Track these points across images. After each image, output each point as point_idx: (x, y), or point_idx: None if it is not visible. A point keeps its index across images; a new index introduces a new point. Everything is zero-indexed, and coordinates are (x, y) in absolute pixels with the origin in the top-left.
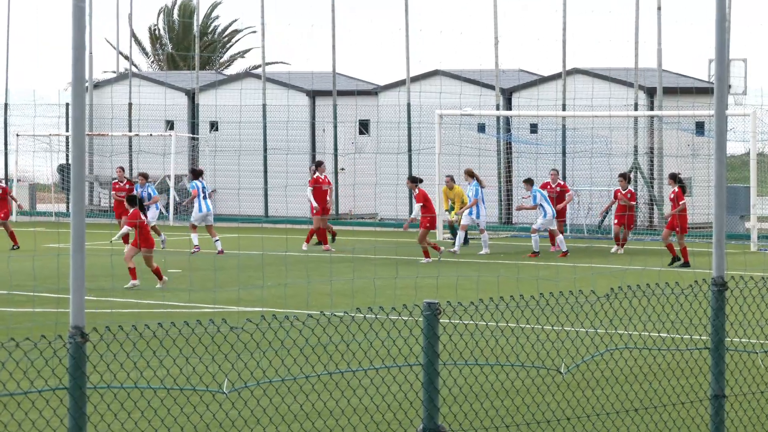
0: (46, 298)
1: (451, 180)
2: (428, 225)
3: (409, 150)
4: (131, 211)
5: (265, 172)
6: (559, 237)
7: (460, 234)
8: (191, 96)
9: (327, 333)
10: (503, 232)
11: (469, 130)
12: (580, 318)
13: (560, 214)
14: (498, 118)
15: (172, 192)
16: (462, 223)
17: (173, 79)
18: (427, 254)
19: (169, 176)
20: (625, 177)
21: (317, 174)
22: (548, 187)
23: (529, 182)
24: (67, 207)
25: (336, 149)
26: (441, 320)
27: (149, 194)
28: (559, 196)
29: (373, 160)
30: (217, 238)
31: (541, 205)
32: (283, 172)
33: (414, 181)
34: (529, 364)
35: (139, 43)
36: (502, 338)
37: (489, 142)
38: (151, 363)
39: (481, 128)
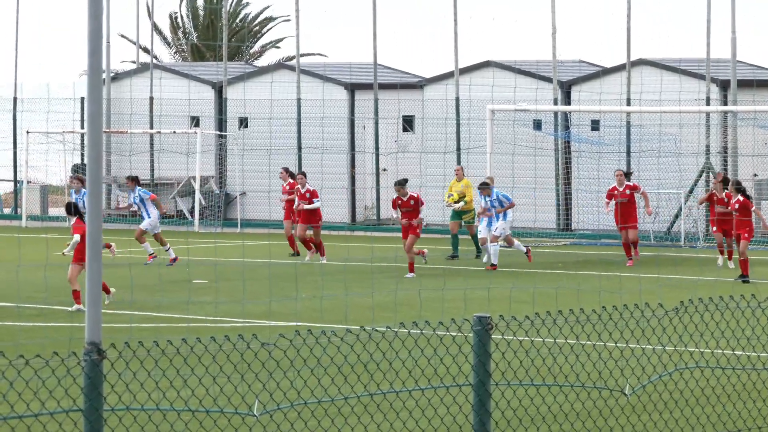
0: (59, 312)
1: (461, 171)
2: (418, 232)
3: (458, 149)
4: (73, 221)
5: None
6: (494, 247)
7: (490, 247)
8: (218, 89)
9: (368, 350)
10: (561, 239)
11: (524, 127)
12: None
13: (631, 219)
14: (556, 113)
15: (197, 196)
16: (481, 236)
17: (199, 71)
18: (412, 268)
19: (194, 178)
20: (731, 183)
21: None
22: (615, 192)
23: (485, 186)
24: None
25: (377, 148)
26: (493, 336)
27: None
28: (629, 200)
29: (417, 160)
30: (168, 246)
31: (493, 206)
32: (319, 173)
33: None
34: (590, 384)
35: (159, 32)
36: (560, 356)
37: (545, 141)
38: (174, 383)
39: (537, 125)
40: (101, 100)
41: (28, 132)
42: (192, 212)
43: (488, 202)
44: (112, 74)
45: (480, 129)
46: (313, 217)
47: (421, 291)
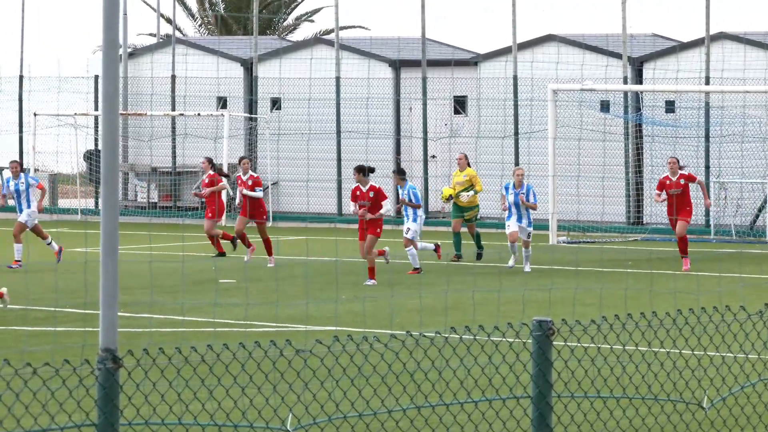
0: (70, 315)
1: (464, 159)
2: (378, 231)
3: (516, 133)
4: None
5: (339, 160)
6: (413, 251)
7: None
8: (248, 67)
9: (414, 358)
10: (632, 234)
11: (590, 109)
12: (727, 340)
13: (683, 212)
14: (626, 93)
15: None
16: (510, 230)
17: (226, 46)
18: (373, 273)
19: (221, 165)
20: None
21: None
22: (667, 182)
23: (401, 173)
24: (96, 203)
25: (425, 132)
26: (554, 342)
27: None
28: (683, 191)
29: (471, 145)
30: (49, 239)
31: (411, 202)
32: (362, 159)
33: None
34: (663, 397)
35: (182, 2)
36: (630, 365)
37: (614, 124)
38: (199, 394)
39: (605, 106)
40: (117, 78)
41: (35, 114)
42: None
43: (516, 194)
44: (129, 50)
45: (541, 111)
46: (257, 209)
47: (475, 292)
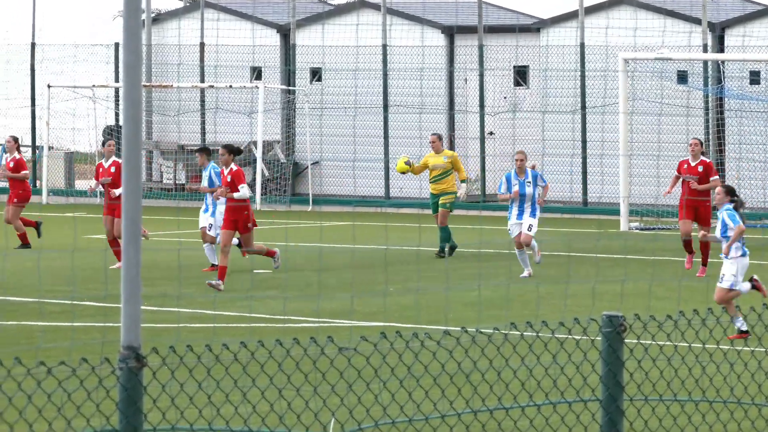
0: (89, 309)
1: (438, 140)
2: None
3: (583, 107)
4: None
5: (386, 137)
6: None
7: (527, 256)
8: (285, 33)
9: (470, 357)
10: (714, 220)
11: (666, 80)
12: None
13: (702, 206)
14: (705, 63)
15: (259, 165)
16: (515, 234)
17: (261, 10)
18: (222, 274)
19: (255, 143)
20: None
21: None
22: (685, 166)
23: (204, 152)
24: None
25: (482, 106)
26: (626, 340)
27: None
28: (701, 180)
29: (534, 120)
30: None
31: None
32: (412, 136)
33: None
34: (747, 400)
35: None
36: (710, 365)
37: (693, 97)
38: (231, 396)
39: (682, 77)
40: (140, 46)
41: (49, 86)
42: (253, 186)
43: (521, 183)
44: (153, 15)
45: (611, 82)
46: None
47: (539, 284)
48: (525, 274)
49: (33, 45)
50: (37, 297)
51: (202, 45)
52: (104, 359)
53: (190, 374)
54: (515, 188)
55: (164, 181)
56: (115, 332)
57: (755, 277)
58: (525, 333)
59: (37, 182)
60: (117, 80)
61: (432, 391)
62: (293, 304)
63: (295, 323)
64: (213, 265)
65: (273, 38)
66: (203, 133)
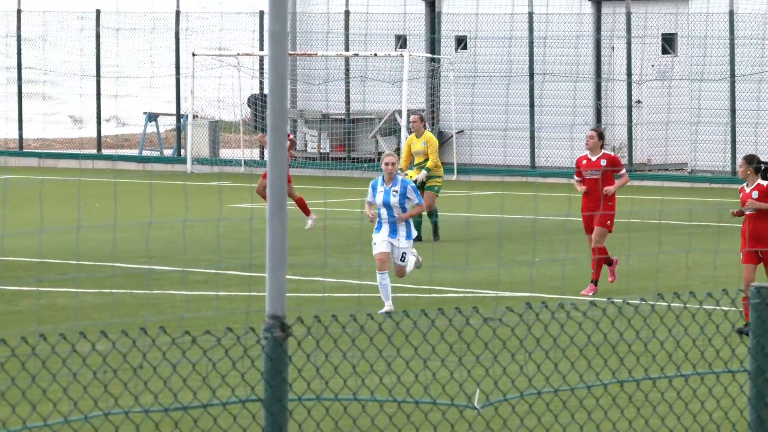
0: (233, 278)
1: (419, 121)
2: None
3: (732, 76)
4: None
5: (531, 106)
6: None
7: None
8: (430, 2)
9: (617, 328)
10: None
11: None
12: None
13: (603, 214)
14: None
15: (404, 133)
16: (377, 251)
17: None
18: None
19: (399, 112)
20: None
21: None
22: (584, 162)
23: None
24: (262, 154)
25: (629, 74)
26: None
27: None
28: (601, 177)
29: (683, 89)
30: None
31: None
32: (560, 105)
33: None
34: None
35: None
36: None
37: None
38: (376, 366)
39: None
40: (286, 14)
41: (193, 54)
42: (398, 153)
43: (386, 192)
44: None
45: (762, 50)
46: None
47: (689, 254)
48: (385, 310)
49: (177, 13)
50: (182, 266)
51: (347, 13)
52: (249, 329)
53: (335, 344)
54: (379, 198)
55: (308, 150)
56: (259, 302)
57: None
58: (672, 304)
59: (182, 151)
60: (262, 49)
61: (578, 362)
62: (439, 274)
63: (440, 293)
64: None
65: (418, 6)
66: (347, 102)
